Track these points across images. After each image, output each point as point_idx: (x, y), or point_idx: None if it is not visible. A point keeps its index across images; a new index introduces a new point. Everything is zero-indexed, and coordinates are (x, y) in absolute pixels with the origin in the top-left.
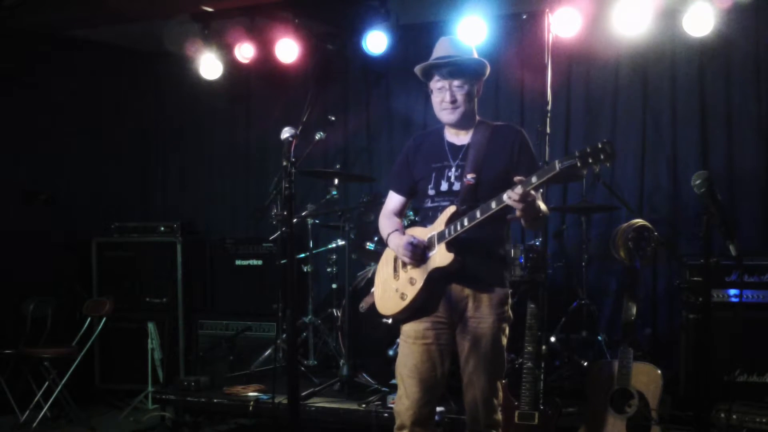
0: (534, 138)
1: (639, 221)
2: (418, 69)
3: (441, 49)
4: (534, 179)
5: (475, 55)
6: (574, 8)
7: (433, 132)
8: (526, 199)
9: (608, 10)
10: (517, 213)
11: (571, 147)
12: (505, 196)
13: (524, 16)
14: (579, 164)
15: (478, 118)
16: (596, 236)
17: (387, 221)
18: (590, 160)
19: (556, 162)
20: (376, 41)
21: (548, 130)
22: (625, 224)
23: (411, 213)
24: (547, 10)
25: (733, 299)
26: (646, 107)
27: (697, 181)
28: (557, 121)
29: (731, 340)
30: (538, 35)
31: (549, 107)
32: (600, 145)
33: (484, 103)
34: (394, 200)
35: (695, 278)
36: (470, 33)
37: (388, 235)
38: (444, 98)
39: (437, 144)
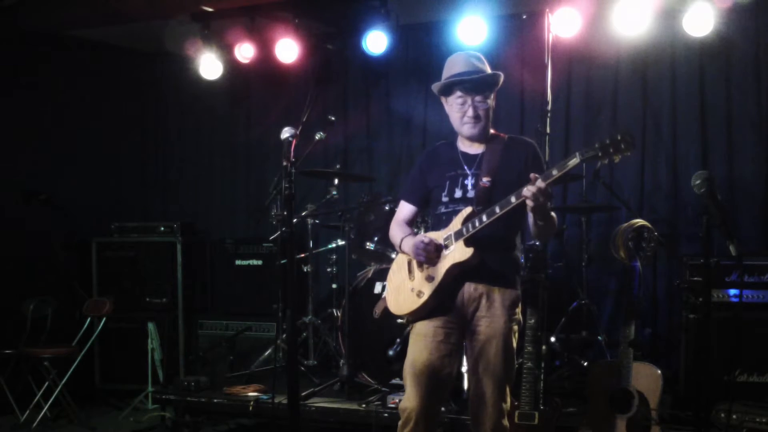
0: (535, 139)
1: (639, 221)
2: (438, 85)
3: (458, 65)
4: (555, 171)
5: (487, 67)
6: (574, 8)
7: (445, 144)
8: (545, 193)
9: (608, 10)
10: (530, 206)
11: (571, 147)
12: (525, 189)
13: (524, 16)
14: (600, 154)
15: (492, 131)
16: (596, 236)
17: (398, 229)
18: (611, 150)
19: (577, 153)
20: (376, 41)
21: (548, 130)
22: (625, 224)
23: None
24: (547, 10)
25: (733, 299)
26: (646, 107)
27: (697, 181)
28: (557, 121)
29: (731, 340)
30: (538, 35)
31: (549, 107)
32: (620, 136)
33: None
34: (405, 210)
35: (695, 278)
36: (470, 33)
37: (401, 240)
38: (467, 113)
39: (451, 154)
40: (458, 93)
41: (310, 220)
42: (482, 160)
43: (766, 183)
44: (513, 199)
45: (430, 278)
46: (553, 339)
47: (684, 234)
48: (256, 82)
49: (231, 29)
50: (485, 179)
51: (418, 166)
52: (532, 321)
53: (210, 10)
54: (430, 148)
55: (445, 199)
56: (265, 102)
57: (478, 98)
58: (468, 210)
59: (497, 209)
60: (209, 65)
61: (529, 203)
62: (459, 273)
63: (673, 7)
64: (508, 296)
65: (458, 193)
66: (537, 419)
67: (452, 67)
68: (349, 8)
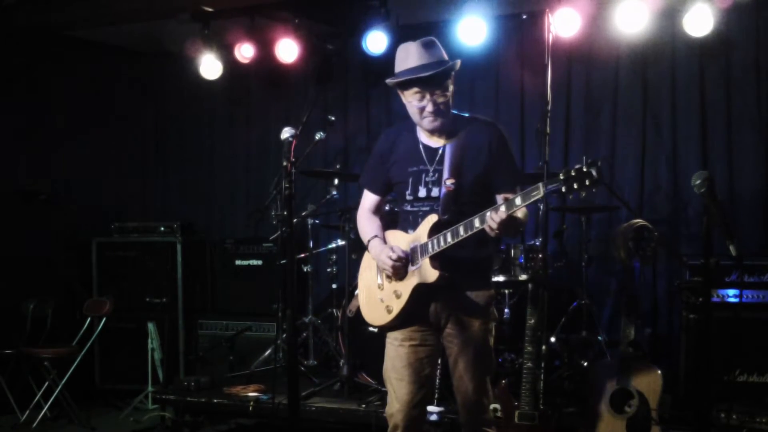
0: (531, 137)
1: (639, 221)
2: (393, 81)
3: (412, 58)
4: (518, 201)
5: (443, 52)
6: (574, 8)
7: (405, 130)
8: (506, 223)
9: (608, 10)
10: (494, 234)
11: (571, 147)
12: (488, 217)
13: (524, 16)
14: (564, 189)
15: (453, 111)
16: (596, 236)
17: (367, 223)
18: (575, 185)
19: (541, 185)
20: (376, 41)
21: (548, 130)
22: (625, 224)
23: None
24: (547, 10)
25: (733, 299)
26: (646, 107)
27: (697, 181)
28: (557, 121)
29: (731, 340)
30: (538, 35)
31: (549, 107)
32: (585, 169)
33: (484, 102)
34: (370, 199)
35: (695, 278)
36: (470, 33)
37: (369, 240)
38: (426, 108)
39: (412, 147)
40: (415, 89)
41: (310, 220)
42: (444, 155)
43: (766, 183)
44: (477, 224)
45: (397, 294)
46: (553, 339)
47: (684, 234)
48: (256, 82)
49: (231, 29)
50: (449, 182)
51: (378, 155)
52: (532, 321)
53: (210, 10)
54: (388, 134)
55: (409, 197)
56: (265, 102)
57: (437, 92)
58: (434, 219)
59: (461, 231)
60: (209, 65)
61: (492, 233)
62: (426, 291)
63: (673, 7)
64: (481, 299)
65: (422, 192)
66: (537, 419)
67: (405, 59)
68: (349, 8)
